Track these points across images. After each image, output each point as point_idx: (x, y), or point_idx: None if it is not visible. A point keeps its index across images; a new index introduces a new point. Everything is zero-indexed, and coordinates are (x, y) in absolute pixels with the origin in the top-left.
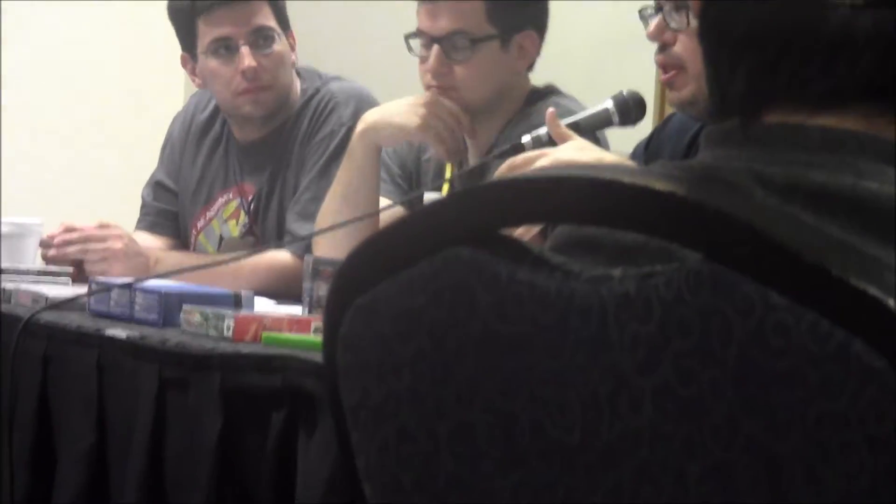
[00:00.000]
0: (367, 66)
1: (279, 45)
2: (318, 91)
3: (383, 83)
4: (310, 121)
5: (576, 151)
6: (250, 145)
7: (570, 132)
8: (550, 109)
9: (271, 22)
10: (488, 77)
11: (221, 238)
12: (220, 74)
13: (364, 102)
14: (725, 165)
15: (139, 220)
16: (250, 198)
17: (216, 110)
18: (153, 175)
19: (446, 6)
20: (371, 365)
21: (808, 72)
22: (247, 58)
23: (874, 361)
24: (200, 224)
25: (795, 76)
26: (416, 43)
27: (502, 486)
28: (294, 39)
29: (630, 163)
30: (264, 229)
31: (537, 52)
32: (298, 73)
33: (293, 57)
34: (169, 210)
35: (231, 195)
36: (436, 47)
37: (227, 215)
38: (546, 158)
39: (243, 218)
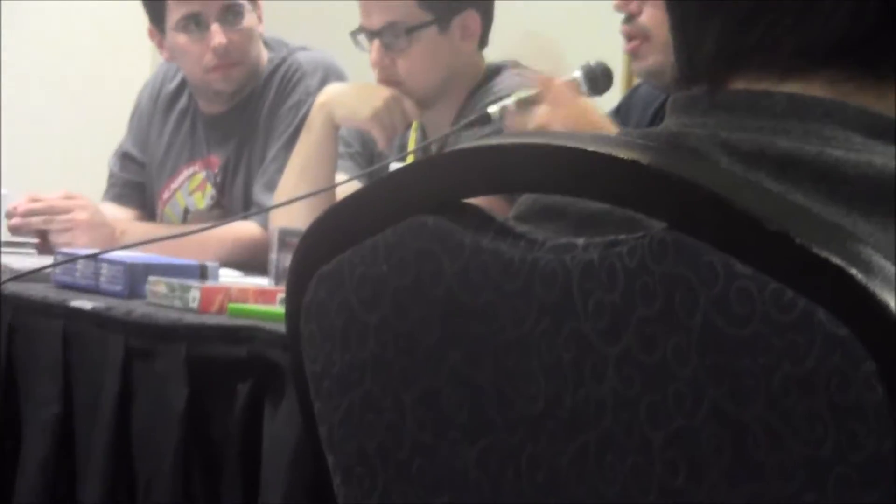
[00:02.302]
0: (333, 34)
1: (248, 19)
2: (284, 61)
3: (350, 51)
4: (276, 91)
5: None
6: (217, 118)
7: (575, 87)
8: (540, 77)
9: None
10: (432, 64)
11: (186, 210)
12: (189, 51)
13: (331, 72)
14: (690, 133)
15: (106, 191)
16: (217, 170)
17: (183, 82)
18: (121, 145)
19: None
20: (335, 333)
21: (777, 31)
22: (217, 35)
23: (838, 329)
24: (166, 196)
25: (767, 34)
26: (363, 39)
27: (467, 454)
28: (261, 10)
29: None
30: (230, 199)
31: (483, 31)
32: (266, 44)
33: (261, 28)
34: (136, 181)
35: (197, 168)
36: (375, 42)
37: (192, 188)
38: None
39: (210, 190)
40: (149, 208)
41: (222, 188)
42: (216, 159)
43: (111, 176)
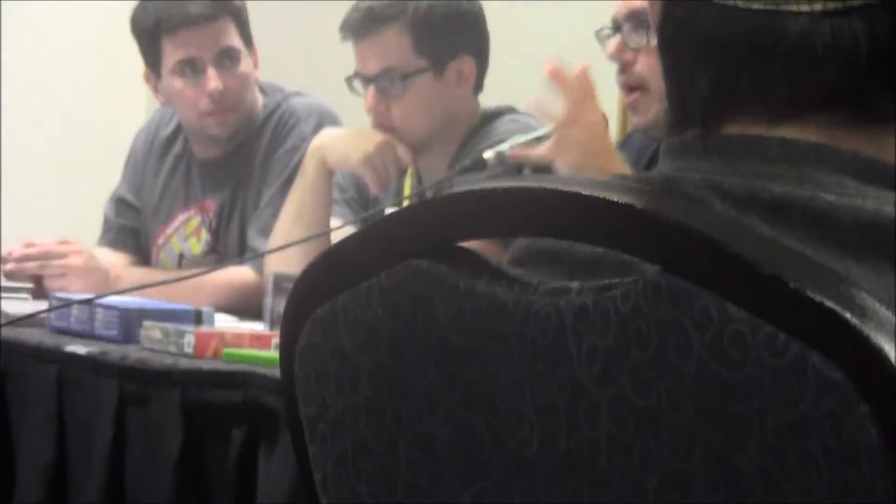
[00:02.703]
0: (328, 78)
1: (244, 64)
2: (279, 106)
3: (346, 95)
4: (271, 136)
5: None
6: (212, 162)
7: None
8: (550, 67)
9: (236, 41)
10: (426, 110)
11: (182, 256)
12: (185, 95)
13: (325, 118)
14: (684, 177)
15: (101, 236)
16: (212, 215)
17: (179, 127)
18: (116, 191)
19: (373, 45)
20: (329, 377)
21: (769, 77)
22: (213, 80)
23: (831, 373)
24: (160, 241)
25: (757, 81)
26: (358, 84)
27: (461, 497)
28: (257, 55)
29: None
30: (226, 245)
31: (478, 76)
32: (261, 89)
33: (257, 73)
34: (131, 227)
35: (192, 213)
36: (370, 87)
37: (188, 233)
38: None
39: (205, 235)
40: (143, 254)
41: (217, 233)
42: (211, 204)
43: (106, 221)
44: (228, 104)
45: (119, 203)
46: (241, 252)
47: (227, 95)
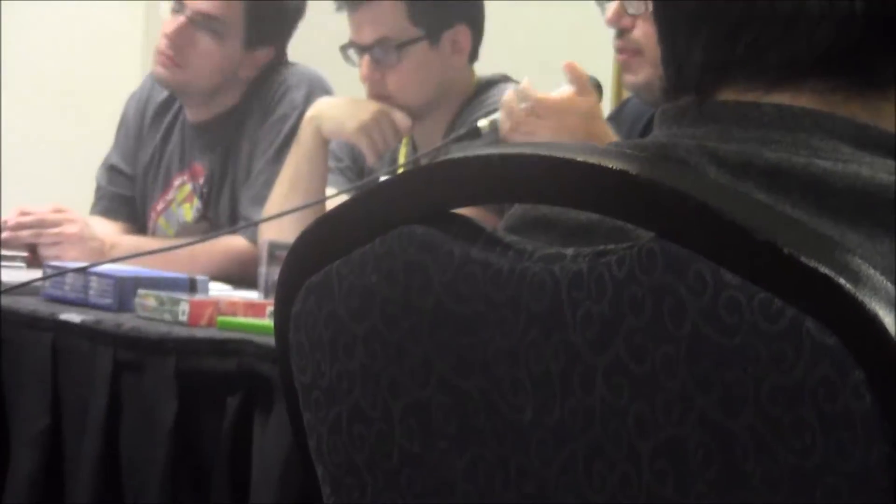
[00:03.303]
0: (323, 47)
1: (212, 36)
2: (269, 74)
3: (340, 65)
4: (262, 104)
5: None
6: (201, 126)
7: (590, 88)
8: (568, 61)
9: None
10: (422, 79)
11: (178, 222)
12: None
13: (317, 86)
14: (679, 143)
15: (94, 205)
16: (201, 180)
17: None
18: (107, 158)
19: (368, 14)
20: (323, 344)
21: (764, 42)
22: (167, 24)
23: (826, 339)
24: (160, 207)
25: (752, 46)
26: (353, 53)
27: (456, 464)
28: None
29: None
30: (217, 213)
31: (474, 45)
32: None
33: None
34: (124, 195)
35: (185, 178)
36: (365, 57)
37: (181, 199)
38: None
39: (196, 202)
40: (139, 222)
41: (208, 201)
42: (200, 168)
43: (98, 189)
44: (177, 59)
45: (111, 171)
46: (233, 220)
47: (172, 43)
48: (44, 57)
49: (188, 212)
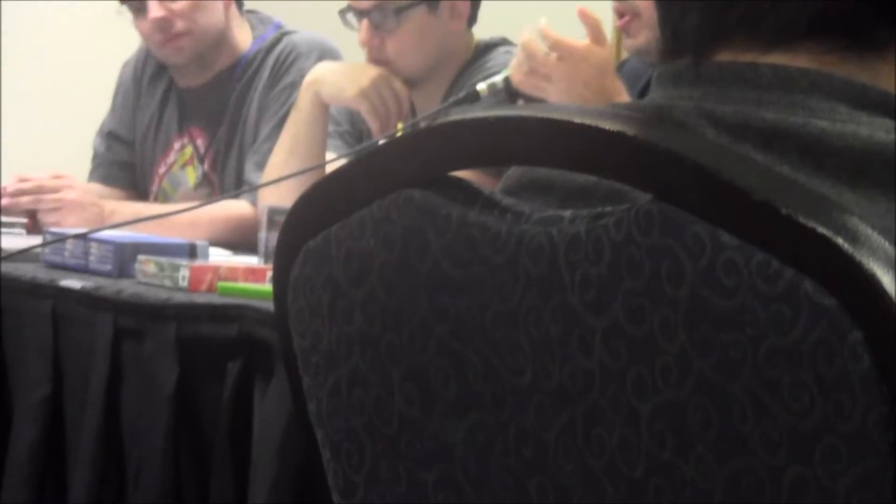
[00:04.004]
0: (322, 13)
1: None
2: (279, 41)
3: (342, 30)
4: (271, 71)
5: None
6: (194, 91)
7: (606, 38)
8: (581, 8)
9: None
10: (421, 44)
11: (181, 184)
12: (141, 31)
13: (327, 53)
14: (676, 105)
15: (91, 172)
16: (200, 143)
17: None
18: (104, 125)
19: None
20: (322, 308)
21: (760, 5)
22: (153, 9)
23: (824, 299)
24: (162, 170)
25: (748, 9)
26: (352, 18)
27: (455, 429)
28: None
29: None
30: (223, 179)
31: (473, 9)
32: (246, 16)
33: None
34: (123, 161)
35: (185, 140)
36: (364, 21)
37: (182, 162)
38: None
39: (197, 165)
40: (139, 188)
41: (213, 165)
42: (197, 133)
43: (96, 156)
44: (177, 30)
45: (109, 137)
46: (239, 185)
47: (172, 21)
48: (42, 56)
49: (191, 175)
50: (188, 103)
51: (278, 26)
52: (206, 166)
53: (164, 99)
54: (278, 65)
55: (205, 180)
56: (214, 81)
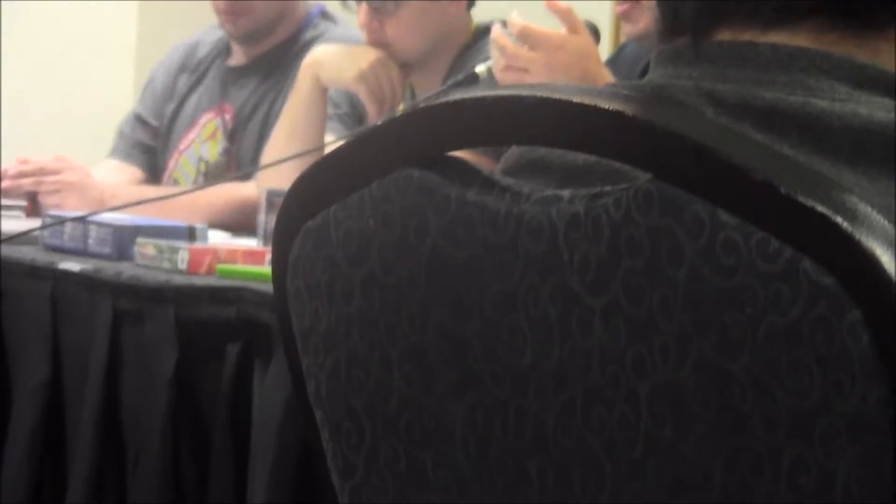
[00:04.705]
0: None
1: None
2: (323, 35)
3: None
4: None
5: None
6: (236, 69)
7: (583, 27)
8: (564, 5)
9: None
10: (420, 27)
11: (200, 159)
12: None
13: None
14: (675, 84)
15: (113, 149)
16: (228, 117)
17: (217, 44)
18: (134, 108)
19: None
20: (321, 289)
21: None
22: None
23: (823, 279)
24: (182, 146)
25: None
26: (352, 1)
27: (454, 409)
28: None
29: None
30: (240, 149)
31: None
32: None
33: None
34: (145, 143)
35: (213, 114)
36: (364, 4)
37: (205, 136)
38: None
39: (221, 139)
40: (154, 173)
41: (233, 136)
42: (229, 107)
43: (120, 134)
44: (237, 7)
45: (136, 119)
46: (256, 159)
47: None
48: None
49: (213, 148)
50: (230, 78)
51: (321, 10)
52: (228, 139)
53: (196, 84)
54: (308, 47)
55: (225, 154)
56: (258, 59)
